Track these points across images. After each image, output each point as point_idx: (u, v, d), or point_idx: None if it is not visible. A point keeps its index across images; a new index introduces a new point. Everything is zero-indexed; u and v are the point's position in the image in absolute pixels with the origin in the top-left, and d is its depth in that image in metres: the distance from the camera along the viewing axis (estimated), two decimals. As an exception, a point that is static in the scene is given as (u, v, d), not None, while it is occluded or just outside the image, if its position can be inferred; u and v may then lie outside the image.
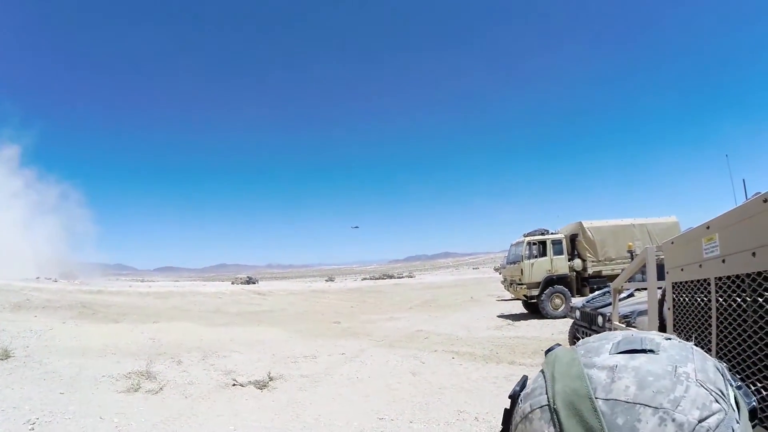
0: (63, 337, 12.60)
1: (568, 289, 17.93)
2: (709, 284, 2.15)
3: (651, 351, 0.63)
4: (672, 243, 2.73)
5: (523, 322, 16.66)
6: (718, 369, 0.64)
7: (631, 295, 8.88)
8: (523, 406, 0.66)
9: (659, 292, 4.21)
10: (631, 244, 15.92)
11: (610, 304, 8.65)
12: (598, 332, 6.38)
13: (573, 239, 18.88)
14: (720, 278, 2.05)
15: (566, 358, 0.67)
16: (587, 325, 9.07)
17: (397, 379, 8.93)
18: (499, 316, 19.10)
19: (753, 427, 0.64)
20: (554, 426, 0.59)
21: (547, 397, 0.63)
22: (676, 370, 0.59)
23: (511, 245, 20.42)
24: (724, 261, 2.02)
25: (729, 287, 1.97)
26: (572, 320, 10.15)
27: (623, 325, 3.88)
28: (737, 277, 1.90)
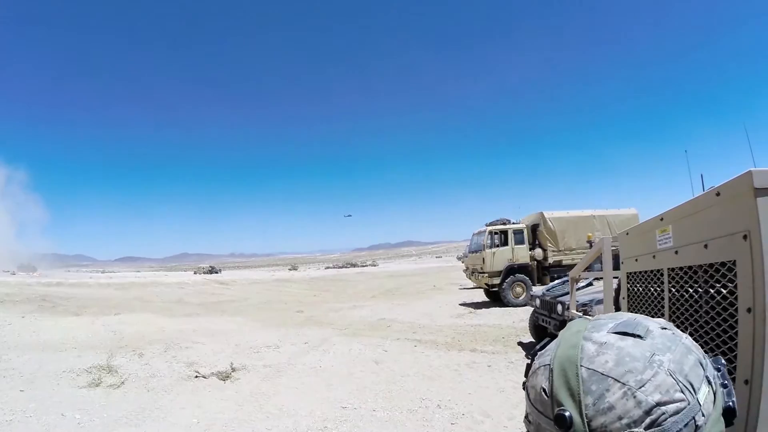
0: (22, 331, 12.31)
1: (529, 277, 18.23)
2: (662, 275, 2.19)
3: (639, 336, 0.74)
4: (627, 234, 2.78)
5: (484, 310, 16.90)
6: (701, 364, 0.74)
7: (590, 284, 9.12)
8: (535, 362, 0.83)
9: (615, 282, 4.35)
10: (590, 234, 16.25)
11: (568, 292, 8.89)
12: (557, 320, 6.55)
13: (534, 229, 19.17)
14: (673, 269, 2.08)
15: (574, 328, 0.81)
16: (547, 313, 9.26)
17: (360, 367, 8.97)
18: (461, 305, 19.32)
19: (726, 425, 0.75)
20: (548, 381, 0.75)
21: (550, 358, 0.77)
22: (652, 357, 0.70)
23: (473, 234, 20.62)
24: (677, 252, 2.04)
25: (681, 278, 2.00)
26: (532, 308, 10.34)
27: (580, 314, 3.96)
28: (690, 268, 1.93)
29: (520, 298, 17.71)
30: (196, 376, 8.28)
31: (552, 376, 0.75)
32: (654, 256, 2.35)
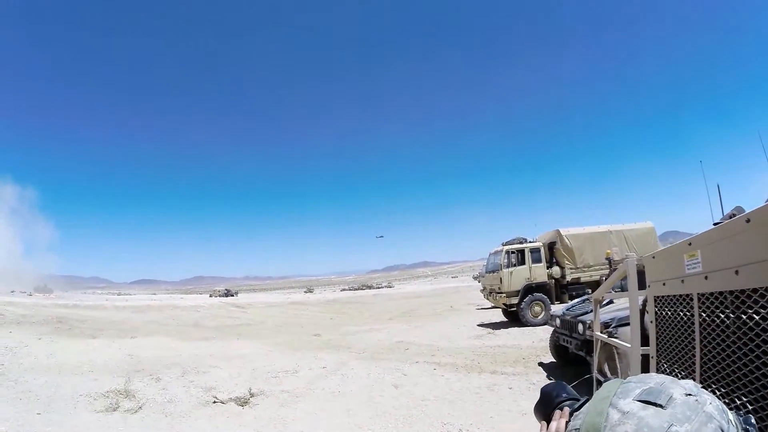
0: (39, 353, 12.29)
1: (547, 296, 17.97)
2: (691, 299, 2.16)
3: (660, 406, 0.78)
4: (653, 257, 2.75)
5: (503, 331, 16.68)
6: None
7: (610, 302, 8.97)
8: (571, 424, 0.92)
9: (640, 300, 4.27)
10: (609, 251, 16.06)
11: (590, 311, 8.74)
12: (578, 340, 6.44)
13: (551, 247, 18.99)
14: (703, 294, 2.05)
15: (603, 393, 0.87)
16: (567, 332, 9.10)
17: (379, 391, 8.88)
18: (479, 325, 19.10)
19: None
20: None
21: (581, 422, 0.86)
22: (669, 428, 0.74)
23: (490, 254, 20.46)
24: (706, 278, 2.02)
25: (712, 303, 1.97)
26: (553, 328, 10.19)
27: (605, 335, 3.89)
28: (720, 293, 1.91)
29: (539, 318, 17.47)
30: (214, 402, 8.25)
31: None
32: (683, 281, 2.32)
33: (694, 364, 2.13)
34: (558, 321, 9.71)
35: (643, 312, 4.14)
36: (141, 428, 7.00)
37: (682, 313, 2.30)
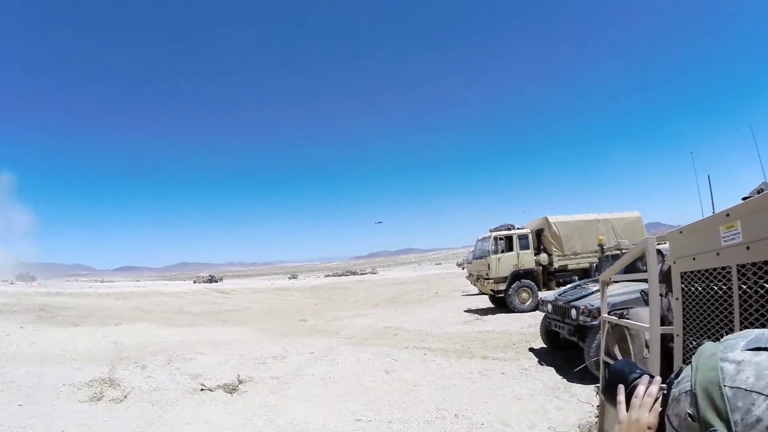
0: (21, 343, 11.99)
1: (534, 283, 17.95)
2: (729, 272, 2.07)
3: None
4: (680, 232, 2.61)
5: (491, 317, 16.62)
6: None
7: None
8: (674, 391, 0.90)
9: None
10: (601, 237, 16.02)
11: (582, 297, 8.69)
12: (571, 325, 6.31)
13: (539, 234, 18.94)
14: (743, 266, 1.98)
15: (708, 352, 0.87)
16: (560, 318, 9.03)
17: (370, 377, 8.72)
18: (466, 311, 19.02)
19: None
20: (693, 406, 0.82)
21: (690, 384, 0.84)
22: None
23: (478, 240, 20.35)
24: (748, 248, 1.96)
25: (755, 274, 1.92)
26: (544, 314, 10.11)
27: (614, 317, 3.74)
28: (765, 263, 1.85)
29: (527, 304, 17.44)
30: (202, 389, 8.01)
31: (696, 401, 0.81)
32: (718, 254, 2.21)
33: (732, 335, 2.01)
34: (550, 307, 9.62)
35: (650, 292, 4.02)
36: (126, 418, 6.74)
37: (716, 287, 2.21)
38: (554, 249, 18.42)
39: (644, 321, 3.62)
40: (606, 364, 3.99)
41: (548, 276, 18.62)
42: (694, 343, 2.43)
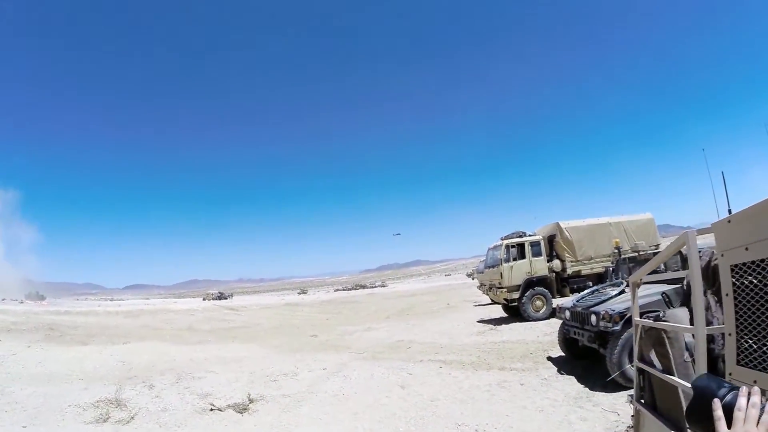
0: (28, 362, 11.75)
1: (548, 290, 17.59)
2: None
3: None
4: (729, 221, 2.34)
5: (505, 326, 16.26)
6: None
7: (623, 292, 8.59)
8: None
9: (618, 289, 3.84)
10: (617, 239, 15.66)
11: (601, 302, 8.39)
12: (591, 332, 5.99)
13: (551, 240, 18.60)
14: None
15: None
16: (579, 325, 8.72)
17: (385, 393, 8.42)
18: (479, 321, 18.69)
19: None
20: None
21: None
22: None
23: (489, 249, 20.04)
24: None
25: None
26: (561, 321, 9.79)
27: (649, 320, 3.46)
28: None
29: (541, 312, 17.07)
30: (212, 409, 7.76)
31: None
32: None
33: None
34: (568, 313, 9.32)
35: (689, 291, 3.73)
36: (133, 440, 6.49)
37: None
38: (567, 255, 18.07)
39: (682, 322, 3.34)
40: (641, 371, 3.71)
41: (562, 282, 18.23)
42: (751, 342, 2.17)
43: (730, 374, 2.33)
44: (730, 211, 9.59)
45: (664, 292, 7.64)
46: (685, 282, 3.77)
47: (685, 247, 3.21)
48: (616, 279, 10.18)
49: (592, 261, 18.10)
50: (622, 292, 8.61)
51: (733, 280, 2.32)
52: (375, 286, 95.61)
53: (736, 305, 2.32)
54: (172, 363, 12.03)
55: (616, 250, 12.31)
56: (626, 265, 10.45)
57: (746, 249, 2.19)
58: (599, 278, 17.64)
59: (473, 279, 66.10)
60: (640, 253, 10.53)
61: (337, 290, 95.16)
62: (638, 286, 3.95)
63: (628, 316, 7.54)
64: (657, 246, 16.04)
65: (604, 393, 7.24)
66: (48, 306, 48.49)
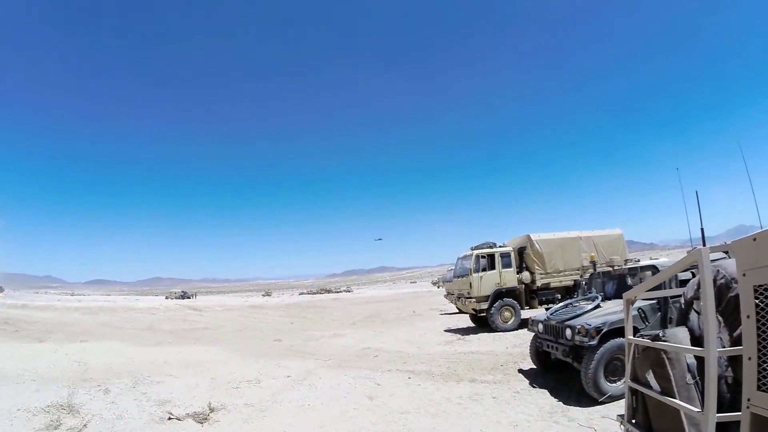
0: (-23, 359, 11.06)
1: (517, 301, 17.57)
2: None
3: None
4: (754, 240, 2.17)
5: (473, 336, 16.12)
6: None
7: (598, 306, 8.50)
8: None
9: (605, 304, 3.68)
10: (593, 254, 15.72)
11: (576, 316, 8.26)
12: (565, 346, 5.83)
13: (521, 252, 18.60)
14: None
15: None
16: (553, 338, 8.59)
17: (353, 404, 8.08)
18: (446, 331, 18.53)
19: None
20: None
21: None
22: None
23: (459, 258, 19.94)
24: None
25: None
26: (533, 334, 9.65)
27: (647, 340, 3.28)
28: None
29: (509, 323, 17.04)
30: (170, 418, 7.31)
31: None
32: None
33: None
34: (541, 326, 9.19)
35: (687, 309, 3.57)
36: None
37: None
38: (537, 267, 18.07)
39: (683, 342, 3.17)
40: (632, 391, 3.53)
41: (531, 294, 18.25)
42: None
43: (748, 400, 2.16)
44: (703, 230, 9.65)
45: (639, 308, 7.59)
46: (682, 300, 3.60)
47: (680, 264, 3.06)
48: (590, 293, 10.11)
49: (562, 274, 18.19)
50: (598, 306, 8.53)
51: (757, 301, 2.16)
52: (340, 291, 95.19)
53: (759, 327, 2.15)
54: (130, 365, 11.48)
55: (591, 264, 12.29)
56: (600, 279, 10.39)
57: (774, 268, 2.02)
58: (568, 291, 17.76)
59: (439, 287, 66.28)
60: (615, 267, 10.49)
61: (302, 294, 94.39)
62: (632, 303, 3.78)
63: (604, 330, 7.44)
64: (627, 261, 16.21)
65: (578, 407, 7.10)
66: (5, 298, 46.84)
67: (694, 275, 6.78)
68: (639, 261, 12.17)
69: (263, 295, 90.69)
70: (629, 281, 9.50)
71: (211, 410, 7.59)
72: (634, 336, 3.64)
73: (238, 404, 8.08)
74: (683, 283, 7.21)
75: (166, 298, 73.52)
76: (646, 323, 7.32)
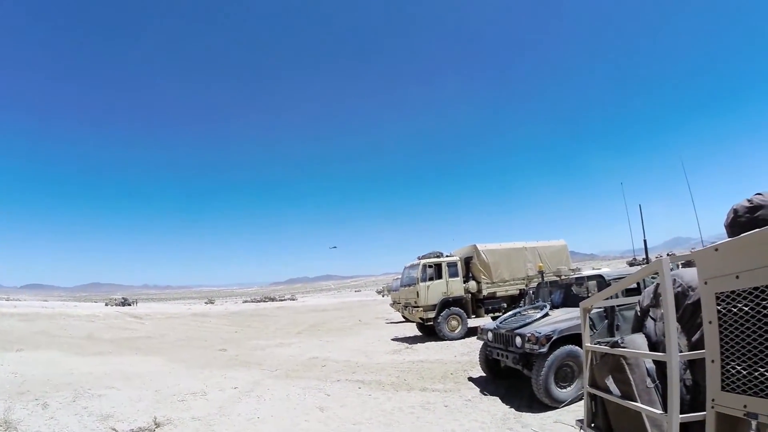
0: None
1: (464, 310, 17.84)
2: None
3: None
4: (716, 250, 2.29)
5: (421, 345, 16.22)
6: None
7: (546, 315, 8.71)
8: None
9: (641, 303, 3.81)
10: (540, 264, 16.12)
11: (525, 324, 8.44)
12: (515, 353, 5.96)
13: (467, 261, 18.93)
14: None
15: None
16: (503, 346, 8.74)
17: (303, 416, 7.90)
18: (393, 340, 18.59)
19: None
20: None
21: None
22: None
23: (406, 267, 20.08)
24: None
25: None
26: (483, 342, 9.79)
27: (606, 347, 3.37)
28: None
29: (456, 332, 17.30)
30: (112, 434, 6.97)
31: None
32: None
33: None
34: (490, 335, 9.33)
35: (643, 316, 3.69)
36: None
37: None
38: (483, 276, 18.42)
39: (641, 348, 3.28)
40: (591, 396, 3.62)
41: (477, 303, 18.59)
42: (739, 368, 2.15)
43: (713, 400, 2.26)
44: (645, 241, 10.07)
45: (587, 316, 7.82)
46: (638, 308, 3.74)
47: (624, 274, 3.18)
48: (537, 302, 10.36)
49: (508, 283, 18.64)
50: (546, 314, 8.74)
51: (719, 308, 2.26)
52: (284, 299, 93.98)
53: (721, 332, 2.25)
54: (70, 377, 10.90)
55: (540, 274, 12.61)
56: (547, 288, 10.67)
57: (737, 277, 2.13)
58: (514, 300, 18.20)
59: (384, 296, 66.48)
60: (562, 277, 10.80)
61: (246, 302, 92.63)
62: (589, 311, 3.90)
63: (554, 338, 7.64)
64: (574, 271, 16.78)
65: (531, 413, 7.24)
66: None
67: (638, 286, 7.08)
68: (581, 270, 12.58)
69: (206, 303, 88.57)
70: (575, 290, 9.82)
71: (157, 425, 7.27)
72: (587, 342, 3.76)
73: (185, 418, 7.77)
74: (629, 291, 7.54)
75: (106, 304, 70.68)
76: (594, 330, 7.57)
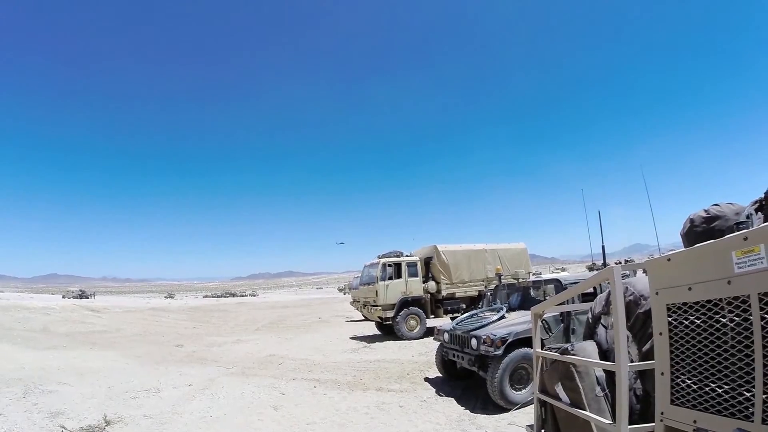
0: None
1: (423, 310, 17.90)
2: (746, 301, 1.87)
3: None
4: (668, 260, 2.28)
5: (379, 344, 16.18)
6: None
7: (502, 318, 8.76)
8: None
9: (512, 315, 3.83)
10: (499, 267, 16.27)
11: (482, 326, 8.47)
12: (471, 355, 5.96)
13: (427, 262, 18.97)
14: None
15: None
16: (459, 348, 8.76)
17: (257, 415, 7.76)
18: (352, 338, 18.52)
19: None
20: None
21: None
22: None
23: (365, 266, 20.01)
24: None
25: None
26: (439, 343, 9.81)
27: (556, 352, 3.38)
28: None
29: (415, 331, 17.34)
30: (61, 432, 6.69)
31: None
32: (729, 282, 1.92)
33: (748, 373, 1.86)
34: (447, 336, 9.35)
35: (595, 323, 3.71)
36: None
37: (723, 319, 1.98)
38: (443, 277, 18.49)
39: (591, 356, 3.29)
40: (541, 402, 3.63)
41: (436, 304, 18.68)
42: (689, 381, 2.13)
43: (662, 413, 2.25)
44: (603, 247, 10.24)
45: (543, 320, 7.90)
46: (589, 315, 3.76)
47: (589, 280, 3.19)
48: (495, 304, 10.43)
49: (467, 284, 18.74)
50: (503, 317, 8.79)
51: (670, 319, 2.26)
52: (245, 295, 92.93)
53: (671, 344, 2.25)
54: (21, 372, 10.48)
55: (497, 276, 12.69)
56: (505, 290, 10.75)
57: (689, 289, 2.12)
58: (473, 301, 18.33)
59: (345, 294, 66.33)
60: (519, 280, 10.90)
61: (206, 297, 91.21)
62: (541, 317, 3.90)
63: (509, 341, 7.69)
64: (530, 274, 16.92)
65: (485, 415, 7.26)
66: None
67: (595, 291, 7.19)
68: (541, 274, 12.75)
69: (166, 297, 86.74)
70: (533, 293, 9.91)
71: (107, 423, 7.03)
72: (540, 348, 3.77)
73: (136, 416, 7.54)
74: (585, 296, 7.64)
75: (63, 297, 68.31)
76: (550, 334, 7.65)
